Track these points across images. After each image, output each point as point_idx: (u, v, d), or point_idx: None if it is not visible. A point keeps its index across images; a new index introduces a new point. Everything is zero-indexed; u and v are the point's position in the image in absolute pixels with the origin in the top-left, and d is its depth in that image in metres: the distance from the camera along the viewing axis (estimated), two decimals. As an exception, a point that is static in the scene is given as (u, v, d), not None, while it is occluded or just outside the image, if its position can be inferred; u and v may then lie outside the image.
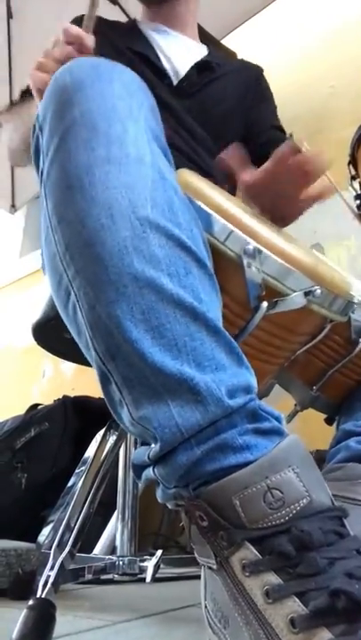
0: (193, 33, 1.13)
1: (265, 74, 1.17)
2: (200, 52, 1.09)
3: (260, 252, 0.49)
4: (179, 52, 1.05)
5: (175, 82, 1.02)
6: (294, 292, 0.50)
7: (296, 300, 0.51)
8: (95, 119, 0.45)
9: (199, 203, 0.49)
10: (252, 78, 1.14)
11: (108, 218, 0.41)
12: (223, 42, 1.67)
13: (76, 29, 0.73)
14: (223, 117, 1.04)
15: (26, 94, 0.97)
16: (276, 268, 0.50)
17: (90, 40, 0.73)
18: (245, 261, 0.48)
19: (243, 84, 1.11)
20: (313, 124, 1.69)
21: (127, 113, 0.46)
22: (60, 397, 1.61)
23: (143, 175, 0.44)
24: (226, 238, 0.49)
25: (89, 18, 0.80)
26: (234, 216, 0.49)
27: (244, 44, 1.79)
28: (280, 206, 0.73)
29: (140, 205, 0.42)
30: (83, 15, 0.94)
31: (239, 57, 1.25)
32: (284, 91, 1.78)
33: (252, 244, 0.49)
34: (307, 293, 0.51)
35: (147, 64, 0.98)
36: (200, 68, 1.05)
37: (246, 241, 0.49)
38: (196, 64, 1.05)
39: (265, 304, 0.50)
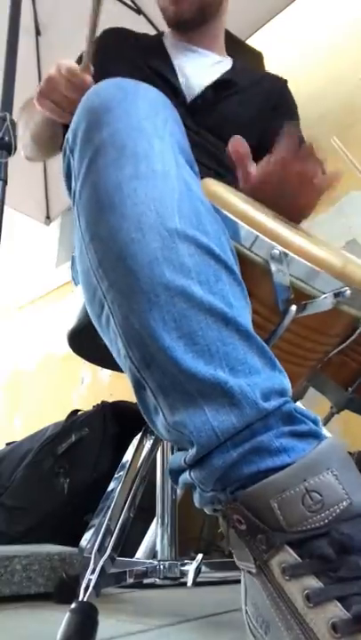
0: (220, 45, 1.13)
1: (292, 73, 1.16)
2: (222, 68, 1.09)
3: (286, 255, 0.49)
4: (197, 71, 1.05)
5: (188, 100, 1.03)
6: (323, 293, 0.50)
7: (325, 301, 0.50)
8: (123, 139, 0.47)
9: (225, 211, 0.50)
10: (276, 91, 1.13)
11: (138, 231, 0.43)
12: (249, 41, 1.67)
13: (73, 69, 0.80)
14: (238, 131, 1.03)
15: None
16: (303, 271, 0.50)
17: (88, 80, 0.80)
18: (273, 265, 0.49)
19: (264, 97, 1.10)
20: (343, 119, 1.67)
21: (152, 130, 0.48)
22: (99, 403, 1.64)
23: (170, 188, 0.45)
24: (252, 244, 0.49)
25: (87, 54, 0.84)
26: (259, 222, 0.50)
27: (270, 42, 1.78)
28: (285, 204, 0.70)
29: (168, 217, 0.43)
30: (106, 30, 0.98)
31: (266, 56, 1.24)
32: (312, 87, 1.76)
33: (279, 248, 0.49)
34: (336, 294, 0.50)
35: (163, 81, 1.00)
36: (218, 85, 1.05)
37: (272, 245, 0.49)
38: (213, 83, 1.05)
39: (294, 307, 0.50)
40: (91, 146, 0.48)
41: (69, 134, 0.52)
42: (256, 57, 1.32)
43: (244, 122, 1.05)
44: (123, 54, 1.02)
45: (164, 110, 0.51)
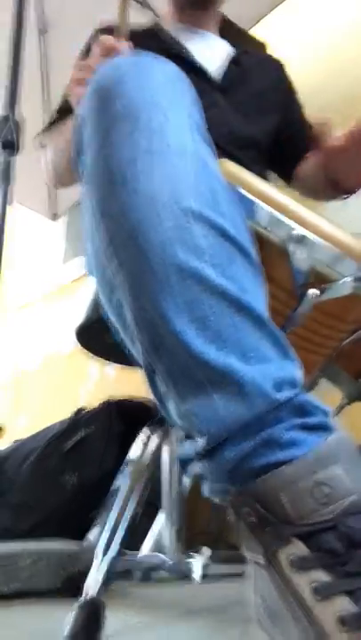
0: (216, 30, 1.13)
1: (292, 65, 1.16)
2: (227, 48, 1.09)
3: (306, 236, 0.47)
4: (210, 51, 1.05)
5: (216, 78, 1.01)
6: (343, 277, 0.49)
7: (345, 285, 0.49)
8: (137, 111, 0.45)
9: (242, 190, 0.48)
10: (281, 72, 1.13)
11: (151, 209, 0.41)
12: (251, 31, 1.66)
13: (110, 41, 0.73)
14: (262, 114, 1.02)
15: (65, 112, 0.99)
16: (324, 253, 0.48)
17: (125, 48, 0.73)
18: (291, 247, 0.47)
19: (275, 77, 1.10)
20: (345, 110, 1.65)
21: (168, 103, 0.46)
22: (105, 401, 1.64)
23: (185, 165, 0.43)
24: (270, 224, 0.47)
25: (122, 25, 0.80)
26: (278, 202, 0.48)
27: (272, 32, 1.77)
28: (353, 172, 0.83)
29: (182, 196, 0.42)
30: (109, 26, 0.96)
31: (268, 46, 1.24)
32: (314, 78, 1.75)
33: (298, 230, 0.47)
34: (357, 279, 0.49)
35: (182, 62, 0.98)
36: (235, 62, 1.04)
37: (291, 227, 0.47)
38: (231, 60, 1.04)
39: (313, 291, 0.48)
40: (103, 119, 0.46)
41: (81, 109, 0.50)
42: (260, 47, 1.31)
43: (269, 96, 1.05)
44: (137, 45, 1.00)
45: (181, 85, 0.49)
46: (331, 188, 0.97)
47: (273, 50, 1.21)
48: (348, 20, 1.79)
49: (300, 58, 1.84)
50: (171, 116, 0.45)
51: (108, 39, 0.73)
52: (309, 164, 1.02)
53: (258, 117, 1.01)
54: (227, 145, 0.91)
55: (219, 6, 1.10)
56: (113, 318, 0.47)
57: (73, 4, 1.74)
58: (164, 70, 0.49)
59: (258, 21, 1.79)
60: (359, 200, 0.83)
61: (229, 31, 1.14)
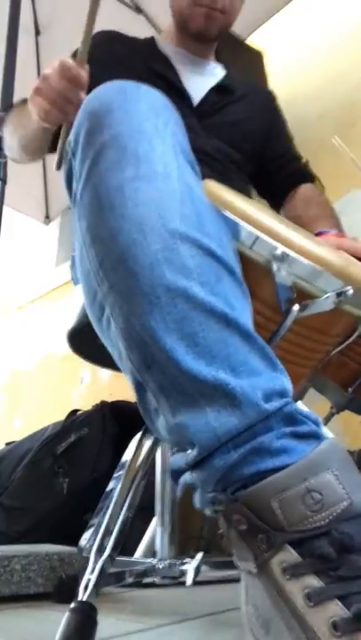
0: (212, 54, 1.13)
1: (291, 72, 1.17)
2: (219, 74, 1.10)
3: (288, 254, 0.49)
4: (198, 76, 1.06)
5: (195, 103, 1.02)
6: (325, 293, 0.50)
7: (328, 301, 0.50)
8: (124, 140, 0.47)
9: (225, 211, 0.50)
10: (270, 104, 1.15)
11: (140, 233, 0.43)
12: (247, 41, 1.67)
13: (69, 64, 0.78)
14: (243, 139, 1.04)
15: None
16: (306, 270, 0.49)
17: (83, 75, 0.79)
18: (275, 265, 0.49)
19: (262, 108, 1.11)
20: (343, 118, 1.66)
21: (153, 131, 0.48)
22: (98, 403, 1.64)
23: (171, 190, 0.45)
24: (253, 244, 0.49)
25: (82, 52, 0.83)
26: (260, 222, 0.50)
27: (268, 42, 1.78)
28: None
29: (169, 219, 0.43)
30: (100, 31, 0.97)
31: (265, 55, 1.24)
32: (311, 86, 1.76)
33: (281, 248, 0.49)
34: (338, 294, 0.50)
35: (166, 83, 0.99)
36: (219, 90, 1.06)
37: (274, 245, 0.49)
38: (215, 86, 1.05)
39: (296, 307, 0.49)
40: (92, 148, 0.48)
41: (71, 137, 0.52)
42: (256, 56, 1.32)
43: (250, 128, 1.06)
44: (121, 56, 1.01)
45: (164, 111, 0.51)
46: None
47: (271, 56, 1.21)
48: (347, 26, 1.80)
49: (298, 64, 1.85)
50: (156, 143, 0.47)
51: (67, 62, 0.79)
52: (298, 207, 1.04)
53: (234, 142, 1.02)
54: (206, 164, 0.92)
55: (219, 38, 1.10)
56: (102, 337, 0.48)
57: (66, 6, 1.74)
58: (148, 98, 0.51)
59: (256, 28, 1.80)
60: (342, 213, 0.83)
61: (225, 43, 1.15)
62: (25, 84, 1.15)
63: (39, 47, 1.96)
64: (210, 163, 0.95)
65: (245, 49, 1.23)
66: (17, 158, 1.07)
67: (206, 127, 0.99)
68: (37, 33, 1.93)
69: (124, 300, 0.43)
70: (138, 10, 1.71)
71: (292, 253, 0.49)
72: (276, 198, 1.09)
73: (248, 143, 1.05)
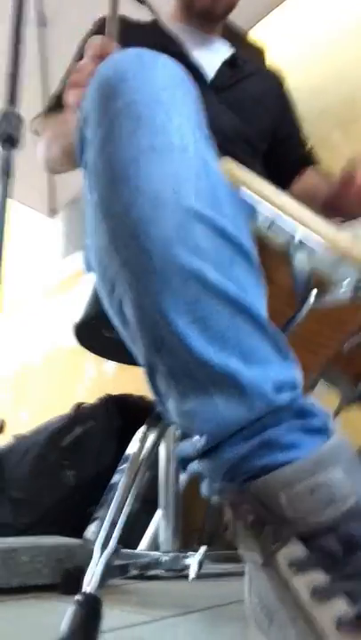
0: (219, 33, 1.12)
1: (293, 68, 1.16)
2: (228, 49, 1.08)
3: (308, 240, 0.47)
4: (208, 52, 1.04)
5: (210, 78, 1.00)
6: (344, 280, 0.48)
7: (346, 290, 0.48)
8: (139, 109, 0.44)
9: (244, 191, 0.47)
10: (280, 85, 1.13)
11: (153, 208, 0.41)
12: (251, 32, 1.65)
13: (100, 42, 0.73)
14: (256, 116, 1.02)
15: (61, 103, 0.99)
16: (325, 257, 0.48)
17: (115, 50, 0.72)
18: (293, 250, 0.47)
19: (272, 87, 1.10)
20: (345, 114, 1.65)
21: (171, 102, 0.46)
22: (103, 396, 1.64)
23: (187, 164, 0.43)
24: (272, 226, 0.47)
25: (110, 22, 0.80)
26: (280, 204, 0.48)
27: (269, 36, 1.76)
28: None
29: (184, 194, 0.41)
30: (104, 17, 0.95)
31: (267, 50, 1.23)
32: (313, 82, 1.75)
33: (300, 232, 0.47)
34: (357, 283, 0.49)
35: (178, 60, 0.98)
36: (231, 65, 1.04)
37: (294, 228, 0.47)
38: (226, 61, 1.04)
39: (314, 294, 0.48)
40: (105, 116, 0.45)
41: (83, 104, 0.50)
42: (258, 51, 1.31)
43: (264, 102, 1.04)
44: (130, 37, 1.00)
45: (182, 83, 0.49)
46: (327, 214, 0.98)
47: (272, 51, 1.20)
48: (349, 22, 1.78)
49: (299, 59, 1.83)
50: (173, 114, 0.45)
51: (97, 41, 0.73)
52: (301, 187, 1.03)
53: (251, 118, 1.00)
54: (222, 143, 0.91)
55: (226, 17, 1.08)
56: (113, 317, 0.47)
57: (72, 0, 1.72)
58: (166, 68, 0.49)
59: (257, 22, 1.78)
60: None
61: (228, 35, 1.13)
62: (30, 79, 1.15)
63: (45, 42, 1.95)
64: (227, 146, 0.93)
65: (247, 43, 1.22)
66: (58, 169, 1.01)
67: (224, 102, 0.97)
68: (43, 26, 1.92)
69: (136, 278, 0.41)
70: (141, 1, 1.70)
71: (312, 238, 0.47)
72: (282, 180, 1.07)
73: (266, 120, 1.04)
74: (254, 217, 0.47)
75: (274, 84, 1.11)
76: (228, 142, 0.92)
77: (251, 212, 0.47)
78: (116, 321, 0.47)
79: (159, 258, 0.40)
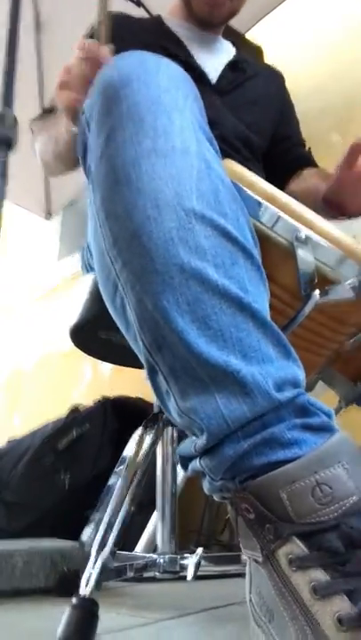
0: (221, 31, 1.12)
1: (293, 67, 1.16)
2: (230, 51, 1.09)
3: (311, 238, 0.47)
4: (210, 54, 1.04)
5: (213, 80, 1.00)
6: (347, 279, 0.49)
7: (349, 287, 0.49)
8: (142, 112, 0.45)
9: (247, 190, 0.48)
10: (281, 85, 1.13)
11: (155, 209, 0.42)
12: (248, 34, 1.66)
13: (90, 44, 0.72)
14: (257, 118, 1.03)
15: (53, 108, 0.99)
16: (330, 255, 0.48)
17: (106, 51, 0.73)
18: (297, 248, 0.47)
19: (273, 88, 1.10)
20: (344, 114, 1.66)
21: (173, 105, 0.47)
22: (100, 398, 1.64)
23: (189, 166, 0.44)
24: (275, 225, 0.47)
25: (100, 24, 0.80)
26: (283, 203, 0.48)
27: (270, 35, 1.77)
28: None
29: (185, 196, 0.42)
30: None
31: (265, 49, 1.23)
32: (313, 81, 1.75)
33: (304, 231, 0.47)
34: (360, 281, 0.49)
35: (180, 62, 0.97)
36: (233, 67, 1.04)
37: (297, 227, 0.47)
38: (229, 63, 1.04)
39: (317, 292, 0.48)
40: (108, 120, 0.46)
41: (86, 107, 0.50)
42: (255, 51, 1.31)
43: (265, 104, 1.05)
44: (131, 36, 0.99)
45: (185, 85, 0.50)
46: (326, 211, 0.97)
47: (272, 51, 1.20)
48: (348, 21, 1.79)
49: (300, 59, 1.84)
50: (175, 117, 0.46)
51: (87, 43, 0.72)
52: (301, 186, 1.03)
53: (253, 120, 1.01)
54: (225, 145, 0.91)
55: (228, 21, 1.08)
56: (115, 317, 0.48)
57: (67, 3, 1.72)
58: (168, 71, 0.50)
59: (257, 22, 1.78)
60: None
61: (226, 34, 1.13)
62: (26, 82, 1.14)
63: (41, 45, 1.95)
64: (229, 147, 0.93)
65: (244, 43, 1.22)
66: (54, 171, 1.03)
67: (227, 105, 0.97)
68: (38, 30, 1.92)
69: (137, 278, 0.42)
70: (138, 3, 1.70)
71: (316, 237, 0.47)
72: (279, 180, 1.08)
73: (266, 121, 1.04)
74: (258, 215, 0.48)
75: (274, 84, 1.11)
76: (230, 144, 0.93)
77: (254, 210, 0.48)
78: (117, 321, 0.48)
79: (161, 258, 0.41)
